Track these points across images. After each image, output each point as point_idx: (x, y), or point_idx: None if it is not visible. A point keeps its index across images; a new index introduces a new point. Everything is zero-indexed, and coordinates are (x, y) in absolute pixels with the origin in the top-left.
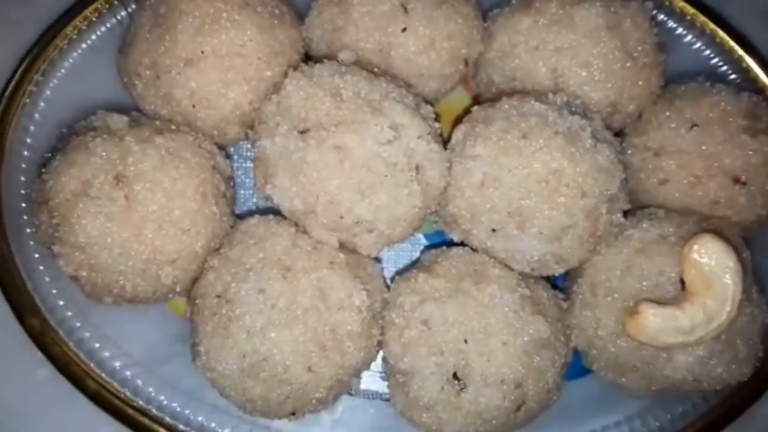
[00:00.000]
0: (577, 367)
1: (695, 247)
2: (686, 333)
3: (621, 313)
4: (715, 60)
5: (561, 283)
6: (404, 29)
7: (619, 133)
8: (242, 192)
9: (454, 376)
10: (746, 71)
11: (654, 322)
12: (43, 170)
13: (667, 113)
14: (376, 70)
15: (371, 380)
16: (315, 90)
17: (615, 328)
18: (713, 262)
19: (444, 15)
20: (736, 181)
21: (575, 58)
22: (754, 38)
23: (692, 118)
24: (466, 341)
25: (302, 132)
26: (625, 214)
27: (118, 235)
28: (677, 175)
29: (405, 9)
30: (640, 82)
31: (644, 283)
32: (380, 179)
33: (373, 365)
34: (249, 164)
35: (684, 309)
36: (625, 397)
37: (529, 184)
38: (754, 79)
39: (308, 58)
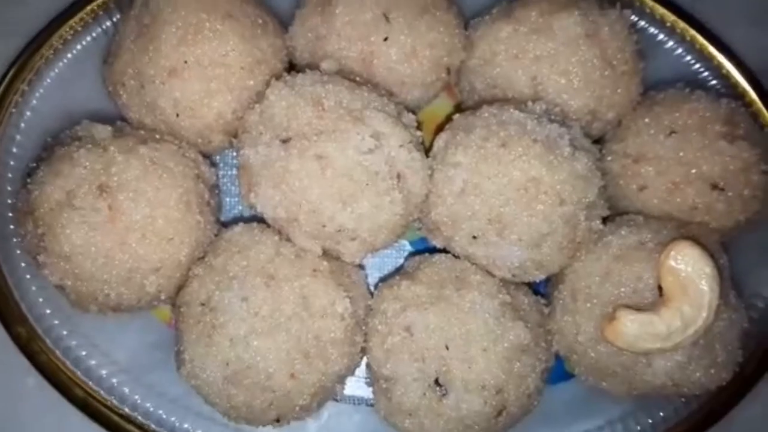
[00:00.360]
0: (560, 371)
1: (672, 253)
2: (663, 339)
3: (600, 319)
4: (696, 66)
5: (543, 289)
6: (386, 38)
7: (598, 140)
8: (228, 199)
9: (436, 382)
10: (726, 77)
11: (631, 328)
12: (29, 180)
13: (646, 120)
14: (358, 78)
15: (357, 386)
16: (297, 99)
17: (595, 334)
18: (690, 269)
19: (425, 24)
20: (714, 187)
21: (554, 66)
22: (737, 42)
23: (671, 124)
24: (447, 347)
25: (284, 141)
26: (605, 220)
27: (102, 244)
28: (656, 181)
29: (387, 18)
30: (619, 90)
31: (623, 289)
32: (362, 188)
33: (358, 371)
34: (234, 172)
35: (661, 315)
36: (608, 401)
37: (509, 191)
38: (734, 85)
39: (292, 66)
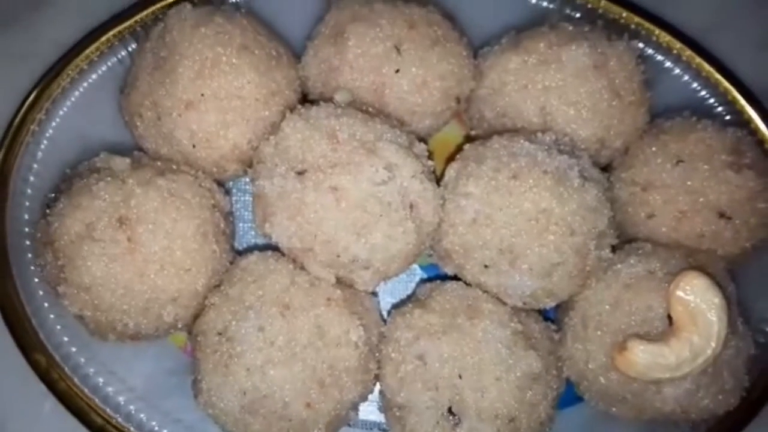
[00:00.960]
0: (569, 395)
1: (681, 284)
2: (673, 369)
3: (610, 346)
4: (702, 93)
5: (552, 314)
6: (397, 70)
7: (606, 167)
8: (242, 225)
9: (449, 410)
10: (732, 103)
11: (642, 358)
12: (48, 212)
13: (654, 148)
14: (370, 109)
15: (369, 410)
16: (312, 132)
17: (605, 362)
18: (698, 299)
19: (436, 56)
20: (721, 215)
21: (563, 97)
22: (743, 68)
23: (678, 153)
24: (460, 377)
25: (300, 173)
26: (614, 248)
27: (121, 275)
28: (663, 209)
29: (398, 50)
30: (626, 119)
31: (633, 318)
32: (375, 219)
33: (370, 396)
34: (248, 197)
35: (671, 345)
36: (617, 425)
37: (520, 222)
38: (741, 111)
39: (305, 96)
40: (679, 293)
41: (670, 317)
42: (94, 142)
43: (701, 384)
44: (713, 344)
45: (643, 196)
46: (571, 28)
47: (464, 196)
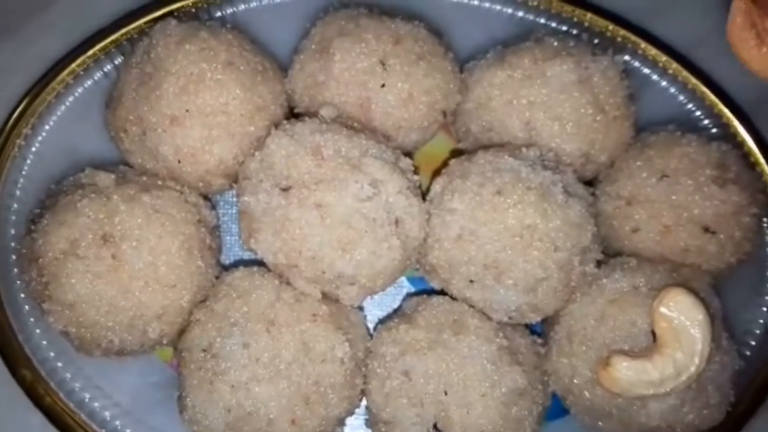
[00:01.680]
0: (556, 408)
1: (665, 300)
2: (657, 385)
3: (595, 361)
4: (689, 106)
5: (539, 328)
6: (383, 85)
7: (592, 181)
8: (229, 238)
9: (435, 427)
10: (719, 116)
11: (626, 375)
12: (32, 228)
13: (638, 163)
14: (356, 124)
15: (357, 425)
16: (296, 148)
17: (590, 377)
18: (682, 316)
19: (422, 71)
20: (706, 230)
21: (548, 112)
22: (731, 81)
23: (662, 168)
24: (445, 393)
25: (284, 189)
26: (599, 263)
27: (105, 292)
28: (648, 224)
29: (384, 65)
30: (611, 134)
31: (617, 333)
32: (360, 235)
33: (358, 410)
34: (236, 210)
35: (654, 362)
36: None
37: (504, 238)
38: (727, 124)
39: (291, 109)
40: (663, 310)
41: (654, 333)
42: (81, 157)
43: (686, 399)
44: (697, 361)
45: (627, 211)
46: (555, 43)
47: (449, 212)
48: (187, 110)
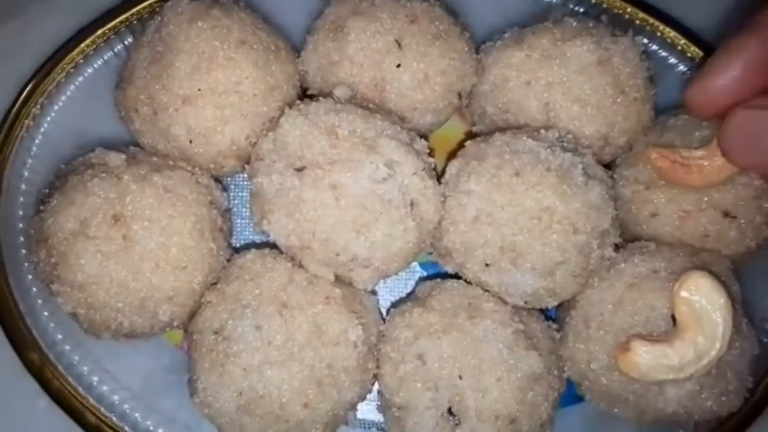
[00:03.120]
0: (570, 394)
1: (686, 284)
2: (676, 370)
3: (613, 347)
4: None
5: (553, 313)
6: (399, 65)
7: (610, 165)
8: (239, 221)
9: (449, 411)
10: None
11: (645, 359)
12: (42, 208)
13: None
14: (371, 104)
15: (368, 410)
16: (311, 128)
17: (607, 362)
18: (704, 300)
19: (438, 51)
20: (726, 215)
21: (567, 94)
22: None
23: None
24: (460, 377)
25: (298, 170)
26: (617, 247)
27: (115, 273)
28: (667, 208)
29: (399, 45)
30: (631, 116)
31: (636, 318)
32: (375, 216)
33: (369, 395)
34: (246, 193)
35: (674, 346)
36: (618, 424)
37: (522, 220)
38: None
39: (304, 91)
40: (684, 293)
41: (673, 317)
42: (90, 137)
43: (704, 385)
44: (718, 345)
45: (646, 195)
46: (575, 23)
47: (465, 194)
48: (199, 89)
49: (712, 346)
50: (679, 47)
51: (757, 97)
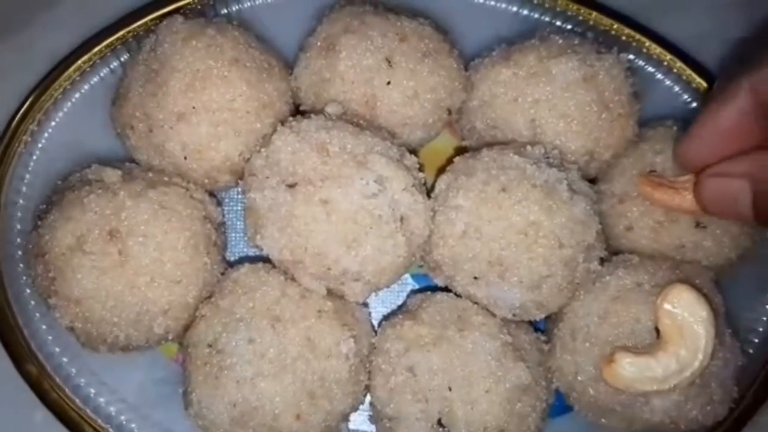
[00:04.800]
0: (560, 405)
1: (668, 297)
2: (660, 382)
3: (599, 358)
4: (693, 104)
5: (542, 325)
6: (389, 82)
7: (595, 179)
8: (234, 235)
9: (439, 422)
10: None
11: (629, 371)
12: (39, 223)
13: (630, 159)
14: (362, 121)
15: (361, 421)
16: (302, 145)
17: (593, 373)
18: (686, 313)
19: (427, 68)
20: (698, 225)
21: (553, 110)
22: None
23: (652, 163)
24: (450, 389)
25: (290, 186)
26: (602, 260)
27: (111, 288)
28: (640, 221)
29: (389, 63)
30: (615, 132)
31: (621, 330)
32: (366, 231)
33: (362, 406)
34: (241, 207)
35: (658, 358)
36: None
37: (509, 235)
38: None
39: (297, 107)
40: (667, 306)
41: (657, 330)
42: (87, 153)
43: (689, 395)
44: (700, 357)
45: (620, 208)
46: (560, 41)
47: (454, 209)
48: (193, 107)
49: (694, 357)
50: (665, 62)
51: (725, 163)
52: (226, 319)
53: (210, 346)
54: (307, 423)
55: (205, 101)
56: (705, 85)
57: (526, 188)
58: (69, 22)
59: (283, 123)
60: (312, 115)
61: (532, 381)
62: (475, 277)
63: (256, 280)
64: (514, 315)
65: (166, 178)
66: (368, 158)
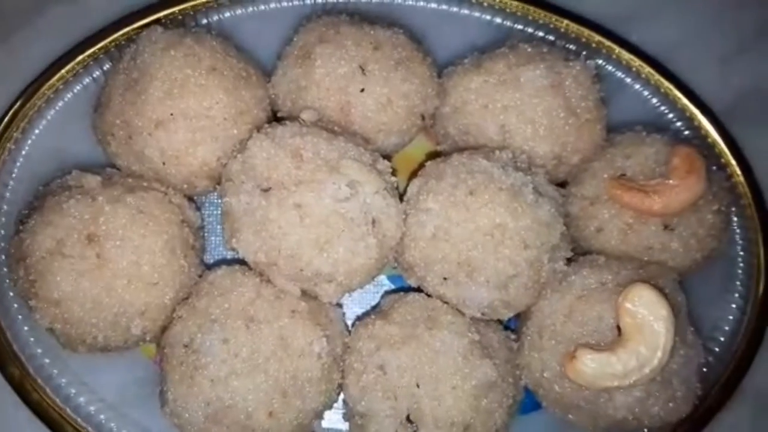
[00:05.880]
0: (532, 401)
1: (629, 296)
2: (620, 378)
3: (564, 356)
4: (662, 108)
5: (514, 324)
6: (363, 89)
7: (565, 183)
8: (214, 239)
9: (407, 419)
10: (690, 119)
11: (590, 367)
12: (21, 228)
13: (601, 163)
14: (337, 127)
15: (336, 419)
16: (276, 151)
17: (559, 370)
18: (646, 311)
19: (400, 76)
20: (666, 227)
21: (521, 116)
22: (705, 85)
23: (622, 167)
24: (418, 385)
25: (265, 190)
26: (569, 261)
27: (90, 290)
28: (610, 223)
29: (363, 71)
30: (583, 136)
31: (585, 328)
32: (338, 234)
33: (337, 404)
34: (220, 212)
35: (618, 355)
36: (578, 429)
37: (476, 237)
38: (698, 127)
39: (275, 114)
40: (627, 305)
41: (619, 327)
42: (69, 160)
43: (651, 392)
44: (659, 354)
45: (591, 211)
46: (529, 49)
47: (424, 212)
48: (171, 114)
49: (653, 355)
50: (634, 68)
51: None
52: (202, 319)
53: (185, 346)
54: (280, 420)
55: (183, 108)
56: (673, 90)
57: (493, 191)
58: (53, 32)
59: (259, 129)
60: (287, 122)
61: (498, 378)
62: (445, 278)
63: (232, 282)
64: (483, 314)
65: (145, 184)
66: (341, 163)
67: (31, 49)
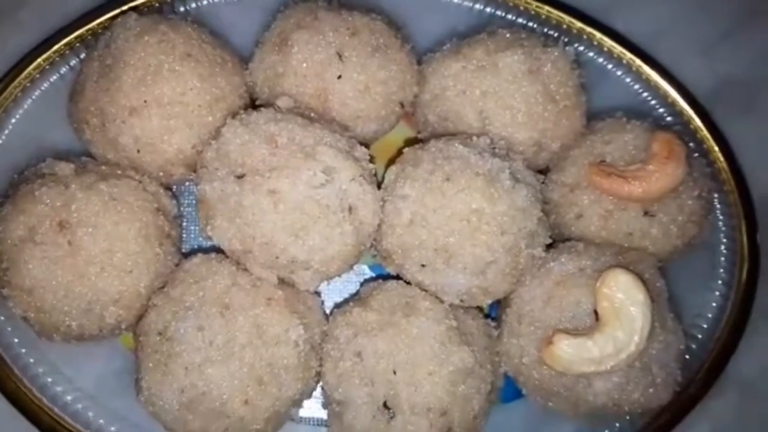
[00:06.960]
0: (514, 389)
1: (606, 280)
2: (597, 363)
3: (541, 341)
4: (644, 94)
5: (495, 312)
6: (340, 76)
7: (546, 170)
8: (193, 227)
9: (384, 405)
10: (672, 105)
11: (567, 352)
12: None
13: (581, 149)
14: (314, 114)
15: (316, 407)
16: (251, 137)
17: (537, 357)
18: (623, 296)
19: (377, 62)
20: (646, 213)
21: (499, 102)
22: (688, 72)
23: (602, 153)
24: (395, 372)
25: (239, 177)
26: (549, 247)
27: (62, 278)
28: (590, 209)
29: (340, 57)
30: (562, 123)
31: (563, 314)
32: (313, 221)
33: (317, 393)
34: None
35: (595, 340)
36: (561, 417)
37: (453, 223)
38: (680, 112)
39: (253, 101)
40: (605, 290)
41: (596, 312)
42: (47, 149)
43: (631, 378)
44: (636, 339)
45: (571, 197)
46: (508, 35)
47: (401, 198)
48: (145, 101)
49: (630, 340)
50: (616, 55)
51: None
52: (176, 307)
53: (160, 334)
54: (255, 408)
55: (157, 95)
56: (655, 76)
57: (469, 177)
58: (34, 24)
59: (234, 116)
60: (262, 108)
61: (476, 364)
62: (423, 265)
63: (208, 270)
64: (461, 301)
65: (119, 171)
66: (316, 149)
67: (11, 41)
